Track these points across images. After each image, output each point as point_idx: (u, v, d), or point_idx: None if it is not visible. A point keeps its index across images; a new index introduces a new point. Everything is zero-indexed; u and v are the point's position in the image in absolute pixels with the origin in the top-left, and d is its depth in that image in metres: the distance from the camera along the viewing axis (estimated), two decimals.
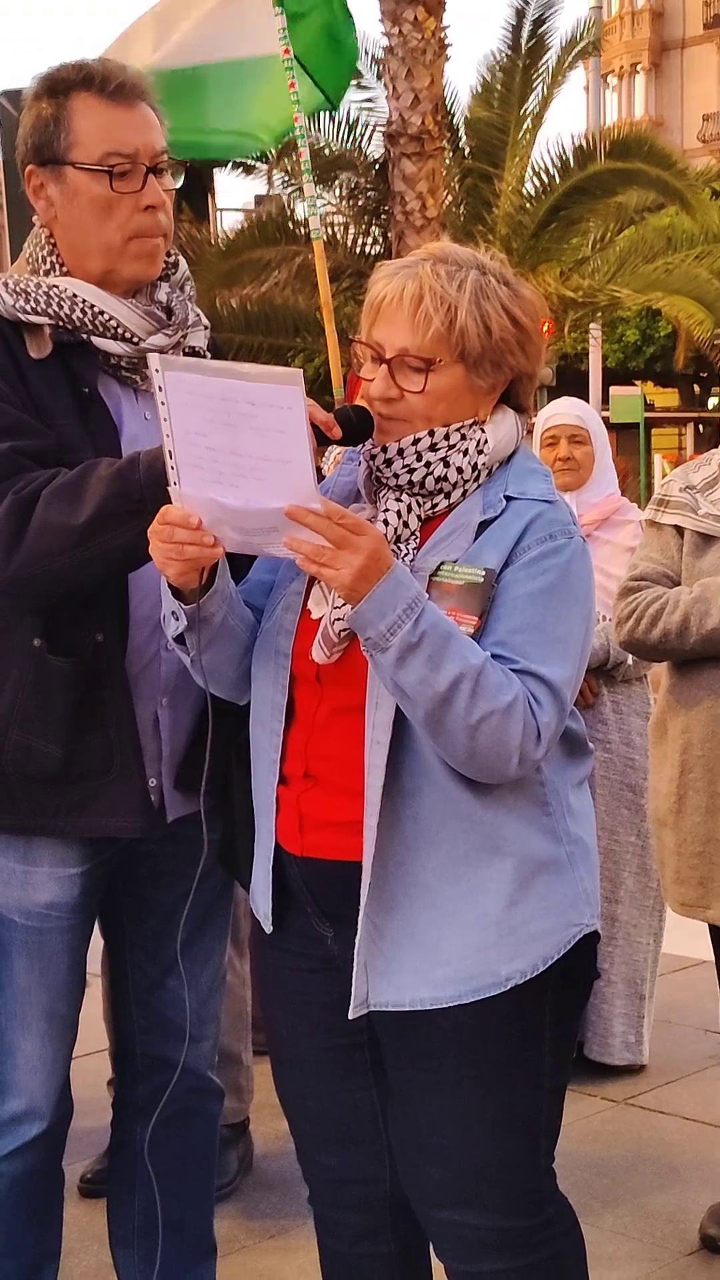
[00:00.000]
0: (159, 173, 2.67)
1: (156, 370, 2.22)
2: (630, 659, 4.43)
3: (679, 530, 3.65)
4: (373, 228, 15.75)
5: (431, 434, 2.39)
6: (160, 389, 2.22)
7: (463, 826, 2.34)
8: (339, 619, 2.34)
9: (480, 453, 2.40)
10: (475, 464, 2.40)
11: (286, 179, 15.82)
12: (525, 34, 15.77)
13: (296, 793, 2.44)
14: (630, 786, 4.62)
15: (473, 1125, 2.41)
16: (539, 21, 15.83)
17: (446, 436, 2.39)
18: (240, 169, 15.90)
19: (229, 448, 2.20)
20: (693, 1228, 3.72)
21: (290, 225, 15.65)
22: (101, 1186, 3.28)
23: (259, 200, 17.39)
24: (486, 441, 2.41)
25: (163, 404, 2.23)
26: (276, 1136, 4.07)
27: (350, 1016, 2.40)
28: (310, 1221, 2.77)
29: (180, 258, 2.82)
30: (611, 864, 4.64)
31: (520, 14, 15.80)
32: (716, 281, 16.79)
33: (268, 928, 2.54)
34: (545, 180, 15.76)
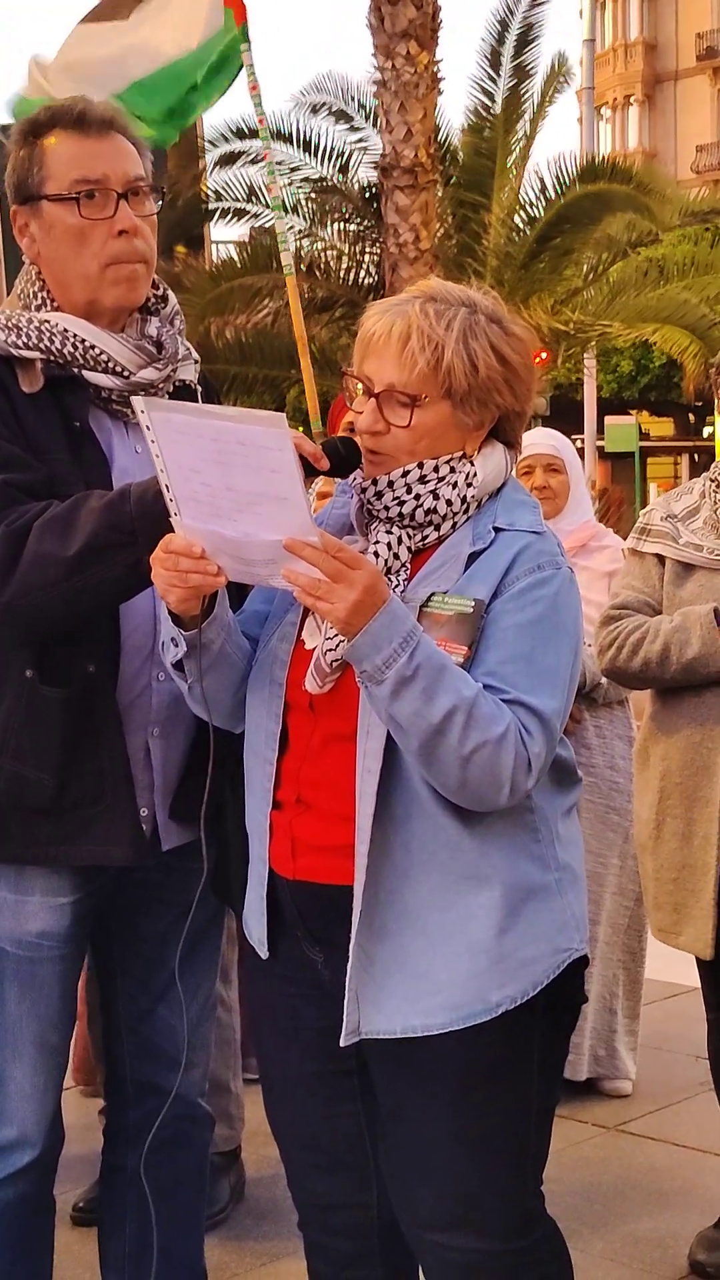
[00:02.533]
0: (135, 198, 2.69)
1: (142, 411, 2.26)
2: (607, 680, 4.47)
3: (660, 559, 3.68)
4: (365, 258, 15.83)
5: (420, 466, 2.42)
6: (148, 428, 2.26)
7: (452, 854, 2.37)
8: (331, 650, 2.38)
9: (469, 485, 2.44)
10: (464, 496, 2.44)
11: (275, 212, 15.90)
12: (506, 65, 15.87)
13: (289, 817, 2.47)
14: (615, 809, 4.66)
15: (462, 1149, 2.43)
16: (520, 49, 15.93)
17: (436, 469, 2.43)
18: (229, 215, 16.04)
19: (224, 484, 2.24)
20: (682, 1253, 3.74)
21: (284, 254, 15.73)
22: (93, 1215, 3.29)
23: (254, 233, 17.46)
24: (475, 475, 2.45)
25: (153, 442, 2.27)
26: (269, 1164, 4.07)
27: (342, 1044, 2.42)
28: (302, 1249, 2.78)
29: (169, 292, 2.86)
30: (596, 886, 4.67)
31: (499, 42, 15.88)
32: (706, 310, 16.85)
33: (263, 953, 2.56)
34: (530, 212, 15.86)
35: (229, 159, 15.69)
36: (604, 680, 4.45)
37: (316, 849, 2.44)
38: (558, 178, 15.75)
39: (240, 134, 15.59)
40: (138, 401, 2.28)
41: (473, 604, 2.36)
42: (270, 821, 2.50)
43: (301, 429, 2.75)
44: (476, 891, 2.38)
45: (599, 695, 4.66)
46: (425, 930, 2.38)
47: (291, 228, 15.18)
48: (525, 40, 15.91)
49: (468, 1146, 2.43)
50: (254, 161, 15.18)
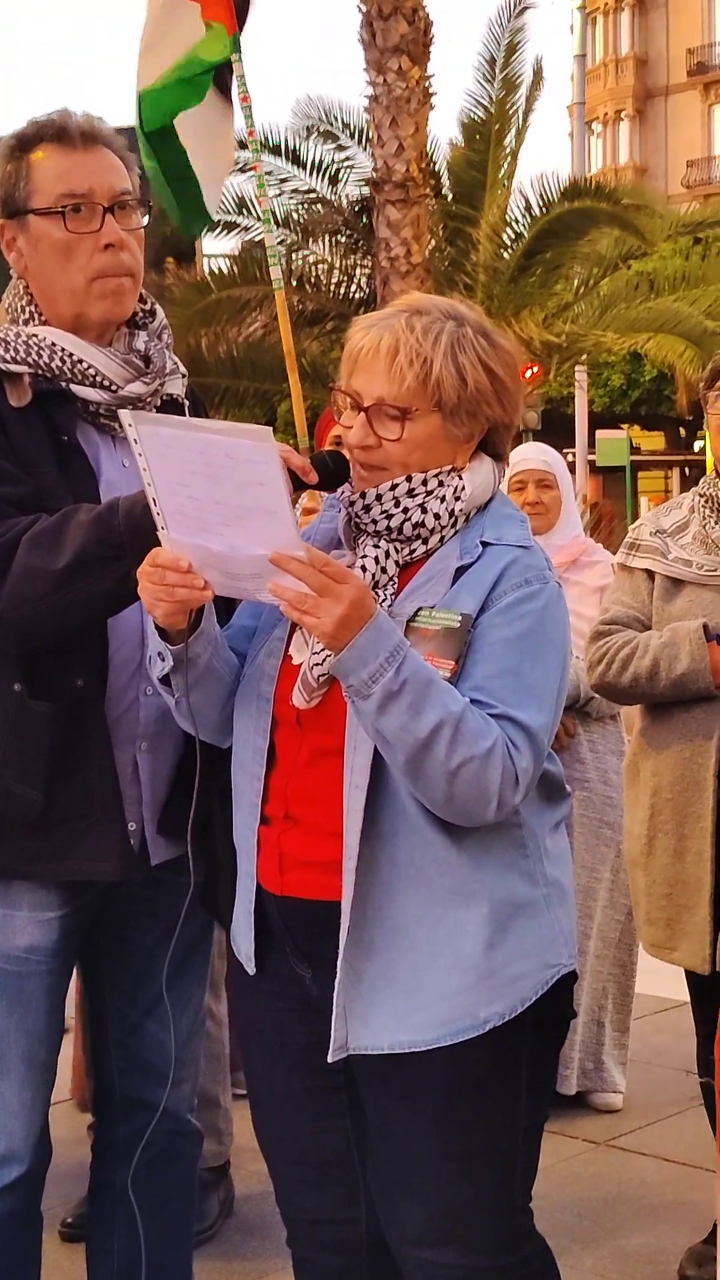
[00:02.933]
0: (121, 212, 2.70)
1: (129, 425, 2.26)
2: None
3: (649, 574, 3.68)
4: (356, 272, 15.87)
5: (409, 480, 2.42)
6: (135, 441, 2.26)
7: (440, 870, 2.37)
8: (318, 665, 2.38)
9: (458, 499, 2.44)
10: (452, 510, 2.44)
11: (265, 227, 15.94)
12: (498, 77, 15.94)
13: (277, 833, 2.47)
14: (608, 824, 4.67)
15: (450, 1165, 2.42)
16: (508, 58, 16.00)
17: (424, 483, 2.43)
18: (218, 228, 16.05)
19: (212, 497, 2.24)
20: (672, 1269, 3.73)
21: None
22: (82, 1230, 3.28)
23: (245, 246, 17.50)
24: (464, 488, 2.45)
25: (140, 455, 2.27)
26: (258, 1179, 4.06)
27: (330, 1060, 2.42)
28: (291, 1265, 2.77)
29: (157, 306, 2.86)
30: (590, 900, 4.68)
31: (493, 54, 15.96)
32: (700, 317, 16.91)
33: (250, 969, 2.56)
34: (518, 227, 15.92)
35: None
36: (598, 695, 4.45)
37: (304, 864, 2.44)
38: (542, 195, 15.83)
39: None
40: (125, 415, 2.28)
41: (460, 618, 2.36)
42: (258, 837, 2.49)
43: (293, 444, 2.75)
44: (465, 907, 2.37)
45: (592, 710, 4.67)
46: (413, 946, 2.38)
47: (282, 241, 15.22)
48: (512, 49, 15.99)
49: (456, 1163, 2.42)
50: (242, 170, 15.20)
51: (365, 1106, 2.51)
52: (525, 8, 16.04)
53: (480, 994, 2.38)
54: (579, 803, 4.66)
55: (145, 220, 2.76)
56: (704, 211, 21.37)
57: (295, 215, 16.01)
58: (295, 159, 15.86)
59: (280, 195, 15.78)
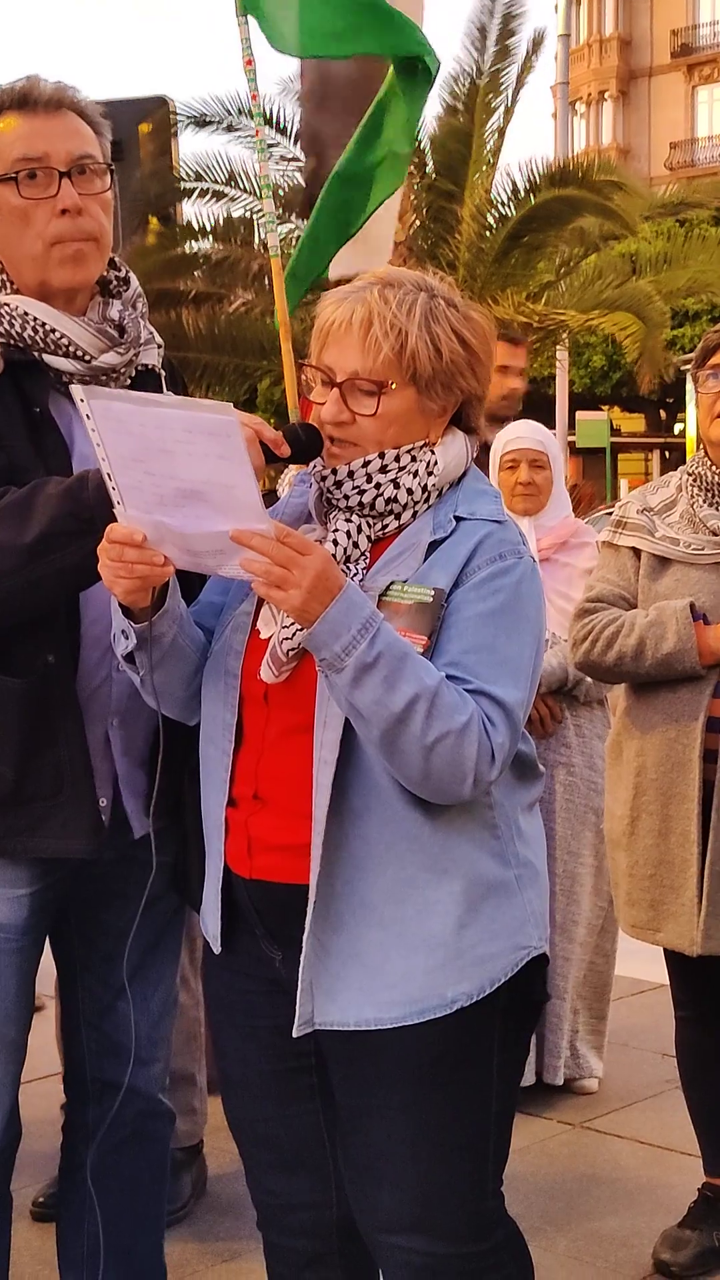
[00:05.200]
0: (81, 176, 2.65)
1: (81, 399, 2.22)
2: (590, 679, 4.44)
3: (636, 552, 3.65)
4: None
5: (382, 456, 2.39)
6: (88, 416, 2.22)
7: (411, 847, 2.34)
8: (287, 639, 2.34)
9: (430, 474, 2.41)
10: (425, 485, 2.41)
11: (254, 201, 15.87)
12: (489, 48, 15.88)
13: (245, 815, 2.43)
14: (593, 809, 4.63)
15: (420, 1149, 2.40)
16: (505, 26, 15.95)
17: (397, 458, 2.40)
18: (208, 195, 15.94)
19: (168, 472, 2.19)
20: (646, 1252, 3.72)
21: (256, 241, 15.70)
22: (54, 1210, 3.25)
23: (227, 222, 17.41)
24: (436, 463, 2.42)
25: (93, 430, 2.23)
26: (231, 1159, 4.03)
27: (295, 1035, 2.39)
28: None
29: (132, 275, 2.82)
30: (576, 886, 4.65)
31: (484, 25, 15.90)
32: (659, 300, 16.91)
33: (216, 949, 2.53)
34: (502, 210, 15.88)
35: (200, 123, 15.53)
36: (587, 678, 4.41)
37: (274, 848, 2.41)
38: (529, 179, 15.78)
39: (212, 114, 15.46)
40: (76, 390, 2.23)
41: (432, 593, 2.33)
42: (226, 819, 2.46)
43: (273, 421, 2.71)
44: (435, 885, 2.35)
45: (579, 693, 4.63)
46: (382, 923, 2.35)
47: (261, 215, 15.13)
48: (509, 19, 15.93)
49: (425, 1147, 2.40)
50: (229, 129, 15.06)
51: (334, 1089, 2.48)
52: None
53: (448, 973, 2.35)
54: (563, 787, 4.63)
55: (108, 185, 2.69)
56: (683, 191, 21.34)
57: (282, 189, 15.91)
58: (280, 128, 15.75)
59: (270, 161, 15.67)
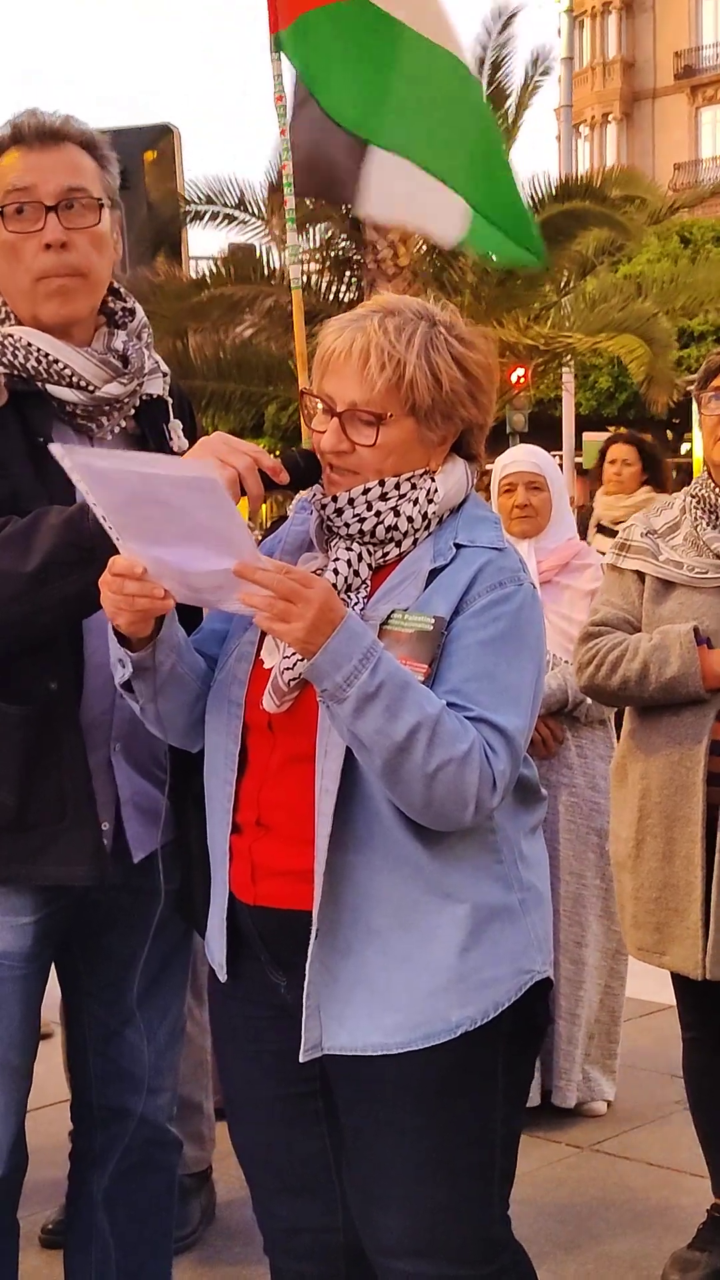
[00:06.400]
0: (69, 211, 2.64)
1: (61, 457, 2.22)
2: (590, 699, 4.45)
3: (640, 575, 3.66)
4: (347, 275, 15.83)
5: (382, 484, 2.40)
6: (72, 471, 2.23)
7: (414, 874, 2.35)
8: (288, 669, 2.35)
9: (430, 502, 2.42)
10: (425, 513, 2.42)
11: (263, 226, 15.89)
12: (485, 81, 15.92)
13: (249, 842, 2.44)
14: (596, 830, 4.63)
15: (425, 1173, 2.40)
16: (496, 66, 15.99)
17: (397, 486, 2.41)
18: (219, 219, 15.97)
19: (163, 518, 2.20)
20: (656, 1274, 3.71)
21: (264, 268, 15.73)
22: (62, 1237, 3.25)
23: (233, 249, 17.43)
24: (436, 490, 2.43)
25: (79, 481, 2.24)
26: (240, 1185, 4.00)
27: (301, 1060, 2.40)
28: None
29: (137, 305, 2.83)
30: (580, 908, 4.65)
31: (480, 60, 15.95)
32: (665, 321, 16.93)
33: (222, 976, 2.54)
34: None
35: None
36: (587, 699, 4.43)
37: (277, 874, 2.42)
38: (533, 196, 15.80)
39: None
40: (55, 449, 2.24)
41: (433, 621, 2.34)
42: (229, 845, 2.47)
43: (279, 449, 2.72)
44: (439, 911, 2.35)
45: (581, 715, 4.64)
46: (386, 948, 2.36)
47: (267, 237, 15.18)
48: (497, 65, 15.98)
49: (431, 1171, 2.40)
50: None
51: (340, 1113, 2.49)
52: (513, 15, 16.02)
53: (452, 997, 2.36)
54: (566, 809, 4.63)
55: (100, 221, 2.68)
56: (692, 196, 21.32)
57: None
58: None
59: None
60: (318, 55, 5.38)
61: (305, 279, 15.78)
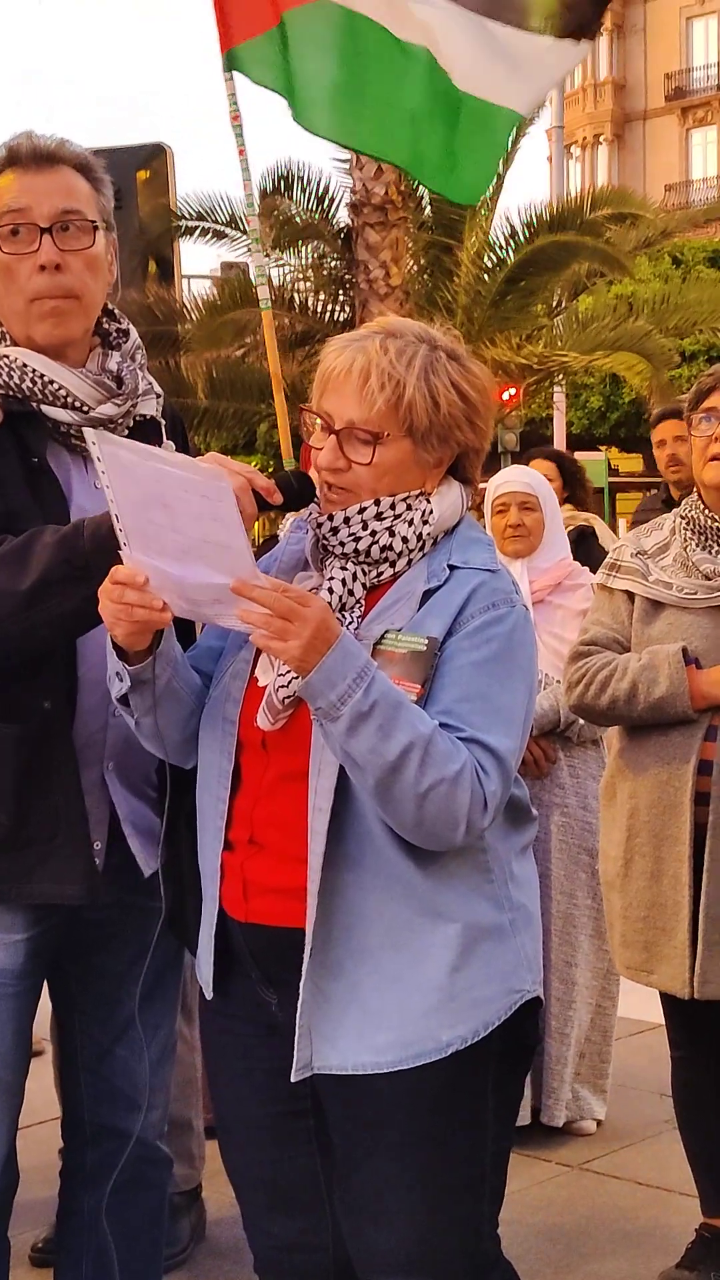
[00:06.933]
0: (64, 233, 2.66)
1: (93, 442, 2.26)
2: (581, 719, 4.47)
3: (630, 595, 3.68)
4: (339, 295, 15.86)
5: (377, 504, 2.42)
6: (99, 459, 2.26)
7: (406, 893, 2.36)
8: (283, 687, 2.37)
9: (425, 523, 2.44)
10: (420, 534, 2.43)
11: (251, 246, 15.91)
12: None
13: (241, 859, 2.45)
14: (587, 850, 4.64)
15: (415, 1191, 2.41)
16: None
17: (392, 506, 2.42)
18: (209, 235, 15.99)
19: (169, 525, 2.23)
20: None
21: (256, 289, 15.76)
22: (52, 1255, 3.26)
23: (225, 267, 17.46)
24: (432, 512, 2.44)
25: (103, 473, 2.27)
26: (230, 1203, 4.01)
27: (293, 1079, 2.40)
28: None
29: (131, 326, 2.85)
30: (571, 928, 4.66)
31: None
32: (660, 337, 16.97)
33: (209, 994, 2.55)
34: (499, 255, 15.93)
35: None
36: (579, 720, 4.44)
37: (269, 891, 2.43)
38: (528, 224, 15.84)
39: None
40: (89, 433, 2.28)
41: (426, 641, 2.35)
42: (221, 862, 2.48)
43: (272, 466, 2.73)
44: (430, 931, 2.36)
45: (573, 734, 4.65)
46: (378, 968, 2.37)
47: (272, 259, 15.20)
48: None
49: (421, 1189, 2.41)
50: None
51: (331, 1132, 2.49)
52: None
53: (443, 1017, 2.37)
54: (558, 828, 4.65)
55: (94, 243, 2.70)
56: (684, 219, 21.35)
57: (280, 230, 15.94)
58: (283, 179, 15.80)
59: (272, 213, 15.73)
60: (281, 69, 5.36)
61: (298, 299, 15.85)
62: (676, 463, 6.57)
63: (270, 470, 2.74)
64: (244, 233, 15.43)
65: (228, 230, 15.80)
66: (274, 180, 15.67)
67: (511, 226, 15.84)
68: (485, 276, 15.87)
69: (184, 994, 3.63)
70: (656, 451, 6.78)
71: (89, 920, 2.76)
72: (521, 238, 15.73)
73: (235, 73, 5.31)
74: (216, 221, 15.71)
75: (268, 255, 15.61)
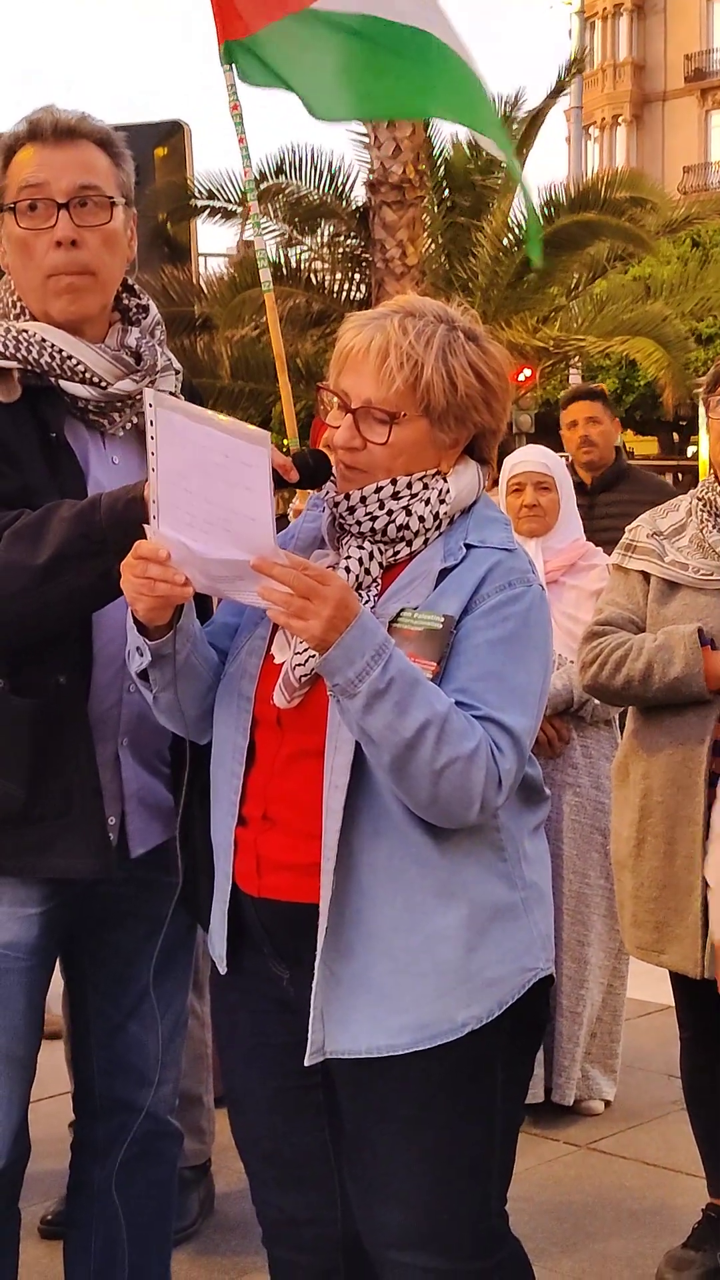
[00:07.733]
0: (81, 209, 2.65)
1: (150, 405, 2.25)
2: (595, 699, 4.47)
3: (645, 576, 3.68)
4: (355, 274, 15.84)
5: (394, 483, 2.42)
6: (151, 423, 2.25)
7: (419, 871, 2.36)
8: (300, 664, 2.37)
9: (442, 502, 2.43)
10: (437, 513, 2.43)
11: (268, 221, 15.90)
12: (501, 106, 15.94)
13: (254, 834, 2.46)
14: (600, 830, 4.64)
15: (425, 1168, 2.42)
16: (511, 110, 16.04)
17: (409, 485, 2.42)
18: (220, 215, 15.97)
19: (204, 494, 2.24)
20: (651, 1273, 3.73)
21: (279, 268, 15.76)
22: (62, 1228, 3.27)
23: (244, 245, 17.42)
24: (448, 491, 2.44)
25: (152, 438, 2.27)
26: (239, 1178, 4.03)
27: (306, 1064, 2.41)
28: None
29: (150, 302, 2.85)
30: (584, 907, 4.67)
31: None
32: (678, 322, 16.94)
33: (222, 969, 2.56)
34: (518, 234, 15.90)
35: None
36: (593, 699, 4.45)
37: (282, 867, 2.43)
38: (547, 204, 15.80)
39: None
40: (147, 394, 2.27)
41: (442, 620, 2.35)
42: (235, 838, 2.48)
43: (284, 445, 2.74)
44: (444, 910, 2.37)
45: (587, 714, 4.66)
46: (391, 950, 2.37)
47: (275, 234, 15.18)
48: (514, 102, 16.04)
49: (431, 1165, 2.42)
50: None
51: (342, 1110, 2.50)
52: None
53: (458, 997, 2.37)
54: (571, 808, 4.65)
55: (112, 219, 2.68)
56: (710, 203, 21.30)
57: (294, 210, 15.91)
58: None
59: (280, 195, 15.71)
60: (285, 61, 5.35)
61: (314, 278, 15.84)
62: (589, 444, 6.49)
63: (286, 449, 2.73)
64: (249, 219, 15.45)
65: (238, 210, 15.79)
66: (286, 158, 15.67)
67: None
68: (503, 257, 15.84)
69: (195, 969, 3.65)
70: (567, 433, 6.60)
71: (103, 895, 2.76)
72: (542, 218, 15.69)
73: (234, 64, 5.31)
74: (229, 201, 15.70)
75: (282, 234, 15.61)
